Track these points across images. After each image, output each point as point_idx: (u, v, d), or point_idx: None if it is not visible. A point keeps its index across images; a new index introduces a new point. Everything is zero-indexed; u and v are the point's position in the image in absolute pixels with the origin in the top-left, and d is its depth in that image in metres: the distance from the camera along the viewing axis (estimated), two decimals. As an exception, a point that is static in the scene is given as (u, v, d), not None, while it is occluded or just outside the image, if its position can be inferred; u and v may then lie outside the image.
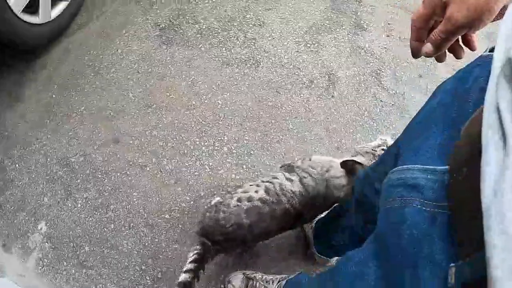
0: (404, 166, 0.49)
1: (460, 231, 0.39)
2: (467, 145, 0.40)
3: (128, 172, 1.48)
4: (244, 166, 1.44)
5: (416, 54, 0.59)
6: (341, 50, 1.68)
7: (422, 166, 0.46)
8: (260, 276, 1.27)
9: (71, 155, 1.55)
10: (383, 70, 1.66)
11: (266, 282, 1.25)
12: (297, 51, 1.66)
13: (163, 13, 1.78)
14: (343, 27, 1.75)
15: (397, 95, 1.62)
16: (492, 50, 0.53)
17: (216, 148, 1.46)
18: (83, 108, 1.62)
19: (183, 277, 1.01)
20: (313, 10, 1.78)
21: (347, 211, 1.04)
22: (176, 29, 1.73)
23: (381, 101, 1.60)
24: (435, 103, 0.57)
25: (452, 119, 0.50)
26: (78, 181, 1.51)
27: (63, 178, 1.53)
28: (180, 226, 1.41)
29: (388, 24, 1.78)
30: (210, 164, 1.44)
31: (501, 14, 0.49)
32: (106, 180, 1.49)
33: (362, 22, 1.77)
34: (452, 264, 0.38)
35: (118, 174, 1.48)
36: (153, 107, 1.55)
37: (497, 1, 0.46)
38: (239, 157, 1.44)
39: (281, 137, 1.47)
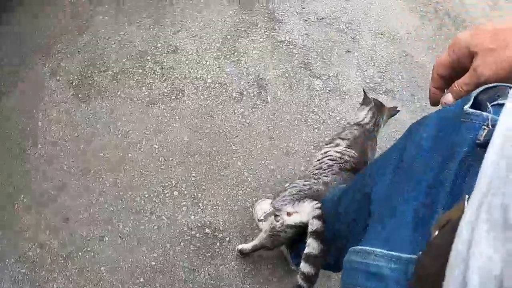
0: (367, 248, 0.43)
1: None
2: (434, 261, 0.32)
3: (88, 248, 1.38)
4: (200, 204, 1.35)
5: (435, 102, 0.54)
6: (262, 52, 1.58)
7: (387, 252, 0.41)
8: None
9: (27, 249, 1.43)
10: (310, 58, 1.58)
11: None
12: (218, 67, 1.55)
13: (72, 68, 1.63)
14: (258, 26, 1.64)
15: (330, 79, 1.55)
16: (476, 105, 0.44)
17: (166, 195, 1.37)
18: (22, 196, 1.48)
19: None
20: (223, 18, 1.66)
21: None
22: (90, 82, 1.58)
23: (316, 90, 1.52)
24: (411, 153, 0.48)
25: (428, 184, 0.42)
26: (43, 273, 1.40)
27: (27, 275, 1.42)
28: (157, 285, 1.33)
29: (302, 8, 1.68)
30: (166, 213, 1.35)
31: None
32: (70, 264, 1.38)
33: (276, 14, 1.67)
34: None
35: (80, 253, 1.38)
36: (91, 173, 1.44)
37: None
38: (192, 196, 1.36)
39: (227, 161, 1.39)
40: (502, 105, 0.39)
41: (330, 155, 1.07)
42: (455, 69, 0.51)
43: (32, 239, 1.42)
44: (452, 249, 0.27)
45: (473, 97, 0.45)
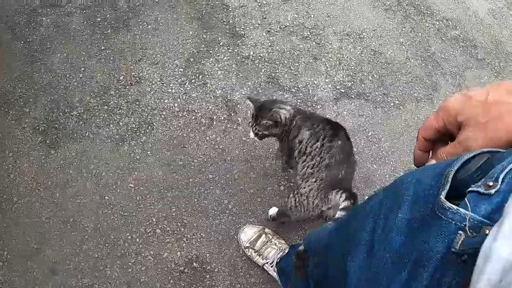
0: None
1: None
2: None
3: (78, 301, 1.34)
4: (184, 239, 1.31)
5: (420, 163, 0.52)
6: (228, 70, 1.51)
7: None
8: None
9: (19, 305, 1.39)
10: (277, 71, 1.51)
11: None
12: (184, 93, 1.48)
13: (37, 113, 1.55)
14: (221, 44, 1.56)
15: (300, 90, 1.49)
16: (455, 184, 0.39)
17: (149, 234, 1.32)
18: (6, 253, 1.43)
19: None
20: (183, 40, 1.58)
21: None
22: (56, 125, 1.51)
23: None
24: (381, 246, 0.44)
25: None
26: (38, 326, 1.37)
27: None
28: (153, 326, 1.30)
29: (264, 18, 1.60)
30: (152, 253, 1.31)
31: None
32: (62, 314, 1.35)
33: (237, 29, 1.59)
34: None
35: (70, 305, 1.34)
36: (71, 222, 1.38)
37: None
38: (175, 232, 1.31)
39: (205, 192, 1.34)
40: (481, 194, 0.35)
41: (306, 139, 1.07)
42: (442, 133, 0.49)
43: (22, 295, 1.38)
44: None
45: (450, 179, 0.39)
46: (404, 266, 0.39)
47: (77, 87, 1.55)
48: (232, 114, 1.43)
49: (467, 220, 0.34)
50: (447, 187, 0.38)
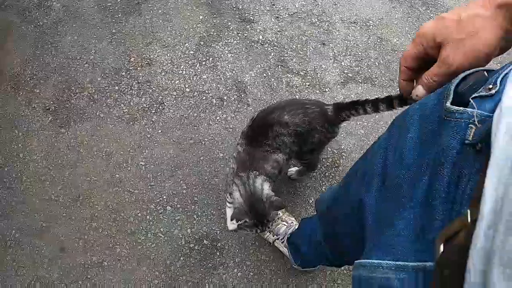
0: (374, 262, 0.40)
1: None
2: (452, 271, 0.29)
3: (88, 276, 1.31)
4: (195, 216, 1.29)
5: (406, 94, 0.50)
6: (237, 54, 1.50)
7: (393, 263, 0.38)
8: None
9: (27, 286, 1.34)
10: (286, 55, 1.51)
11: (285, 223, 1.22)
12: (195, 75, 1.47)
13: (47, 94, 1.53)
14: (231, 28, 1.56)
15: (309, 73, 1.49)
16: (456, 98, 0.40)
17: (160, 212, 1.30)
18: (13, 232, 1.39)
19: None
20: (194, 25, 1.57)
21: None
22: (67, 105, 1.49)
23: (296, 86, 1.46)
24: (395, 168, 0.44)
25: (422, 197, 0.38)
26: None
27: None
28: (162, 302, 1.28)
29: (272, 5, 1.60)
30: (162, 229, 1.29)
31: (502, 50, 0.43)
32: (71, 293, 1.32)
33: (246, 14, 1.58)
34: None
35: (80, 282, 1.31)
36: (80, 199, 1.36)
37: (496, 47, 0.41)
38: (185, 209, 1.30)
39: (216, 170, 1.32)
40: (483, 97, 0.37)
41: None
42: (423, 60, 0.48)
43: (30, 274, 1.34)
44: (465, 280, 0.25)
45: (452, 91, 0.40)
46: (423, 173, 0.39)
47: (87, 68, 1.54)
48: (242, 95, 1.42)
49: (475, 115, 0.35)
50: (451, 97, 0.40)
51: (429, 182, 0.38)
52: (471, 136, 0.35)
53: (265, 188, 0.97)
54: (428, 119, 0.42)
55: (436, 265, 0.32)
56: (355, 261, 0.44)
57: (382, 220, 0.45)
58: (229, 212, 1.07)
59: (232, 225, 0.96)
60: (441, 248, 0.32)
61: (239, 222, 0.94)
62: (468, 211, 0.30)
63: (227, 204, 1.10)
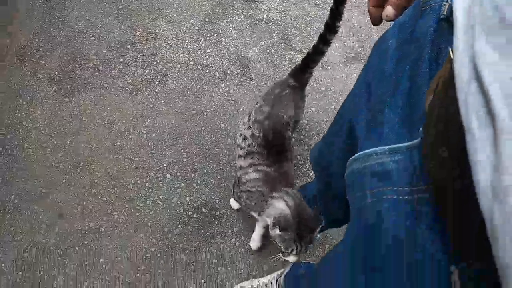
0: (367, 151, 0.39)
1: (451, 227, 0.29)
2: (438, 122, 0.29)
3: (85, 242, 1.29)
4: (194, 184, 1.28)
5: (376, 21, 0.50)
6: (241, 31, 1.51)
7: (385, 148, 0.37)
8: (257, 283, 1.16)
9: (23, 251, 1.33)
10: (289, 34, 1.52)
11: (266, 286, 1.15)
12: (199, 49, 1.47)
13: (52, 65, 1.53)
14: (236, 7, 1.57)
15: (311, 50, 1.49)
16: None
17: (159, 179, 1.30)
18: (12, 197, 1.39)
19: None
20: (199, 2, 1.58)
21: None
22: (72, 76, 1.49)
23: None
24: (380, 67, 0.45)
25: (408, 89, 0.39)
26: (41, 273, 1.31)
27: (26, 277, 1.32)
28: (159, 271, 1.25)
29: (277, -15, 1.62)
30: (161, 197, 1.28)
31: None
32: (67, 260, 1.30)
33: (251, -7, 1.60)
34: (453, 268, 0.29)
35: (77, 248, 1.30)
36: (81, 166, 1.35)
37: None
38: (185, 177, 1.29)
39: (217, 140, 1.32)
40: None
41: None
42: None
43: (27, 240, 1.33)
44: (456, 79, 0.24)
45: None
46: (406, 65, 0.40)
47: (93, 41, 1.55)
48: (246, 70, 1.43)
49: None
50: None
51: (412, 69, 0.39)
52: (445, 11, 0.36)
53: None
54: (405, 27, 0.43)
55: (425, 112, 0.32)
56: (349, 160, 0.44)
57: (371, 120, 0.45)
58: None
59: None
60: (431, 97, 0.32)
61: (281, 233, 0.85)
62: (450, 50, 0.29)
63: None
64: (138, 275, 1.25)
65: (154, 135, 1.34)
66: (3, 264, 1.34)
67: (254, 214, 1.03)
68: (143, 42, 1.50)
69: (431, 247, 0.30)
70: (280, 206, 0.88)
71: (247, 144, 0.99)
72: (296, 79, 1.07)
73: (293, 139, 1.30)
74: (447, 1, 0.36)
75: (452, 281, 0.28)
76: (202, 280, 1.22)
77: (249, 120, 1.02)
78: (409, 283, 0.33)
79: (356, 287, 0.41)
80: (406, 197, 0.33)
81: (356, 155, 0.41)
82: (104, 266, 1.27)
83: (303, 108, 1.14)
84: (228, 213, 1.26)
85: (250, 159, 0.98)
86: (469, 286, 0.27)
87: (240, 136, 1.04)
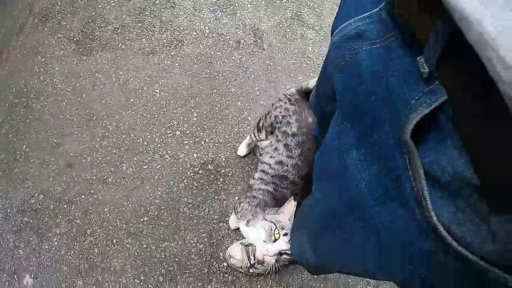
0: (342, 25, 0.43)
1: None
2: None
3: (92, 191, 1.32)
4: (202, 142, 1.32)
5: None
6: (257, 5, 1.57)
7: (358, 17, 0.41)
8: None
9: (30, 198, 1.36)
10: (302, 11, 1.58)
11: None
12: (215, 19, 1.53)
13: (73, 26, 1.59)
14: (252, -17, 1.64)
15: (323, 29, 1.55)
16: None
17: (169, 135, 1.33)
18: (24, 146, 1.42)
19: None
20: (218, -24, 1.66)
21: None
22: (91, 37, 1.54)
23: (310, 39, 1.52)
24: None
25: None
26: (46, 220, 1.34)
27: (30, 223, 1.35)
28: (162, 223, 1.28)
29: (292, -33, 1.69)
30: (169, 152, 1.31)
31: None
32: (73, 208, 1.32)
33: (268, -27, 1.67)
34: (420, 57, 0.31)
35: (83, 196, 1.32)
36: (94, 119, 1.39)
37: None
38: (194, 135, 1.32)
39: (227, 103, 1.36)
40: None
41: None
42: None
43: (35, 187, 1.36)
44: None
45: None
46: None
47: (114, 7, 1.60)
48: (259, 41, 1.48)
49: None
50: None
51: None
52: None
53: None
54: None
55: None
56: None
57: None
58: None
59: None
60: None
61: None
62: None
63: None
64: (140, 226, 1.27)
65: (166, 94, 1.38)
66: (8, 210, 1.36)
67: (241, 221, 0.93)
68: (162, 9, 1.56)
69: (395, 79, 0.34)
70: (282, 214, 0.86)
71: (283, 169, 0.91)
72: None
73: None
74: None
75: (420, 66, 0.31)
76: (203, 234, 1.24)
77: (290, 150, 0.90)
78: (381, 105, 0.36)
79: (344, 128, 0.44)
80: (380, 44, 0.37)
81: (334, 33, 0.45)
82: (108, 215, 1.29)
83: None
84: (234, 171, 1.29)
85: (277, 180, 0.92)
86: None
87: (271, 157, 0.92)
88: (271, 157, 0.92)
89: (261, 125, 1.02)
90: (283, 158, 0.90)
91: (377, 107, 0.36)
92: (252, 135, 1.11)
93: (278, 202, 0.91)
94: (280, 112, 0.94)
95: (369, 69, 0.38)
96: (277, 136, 0.93)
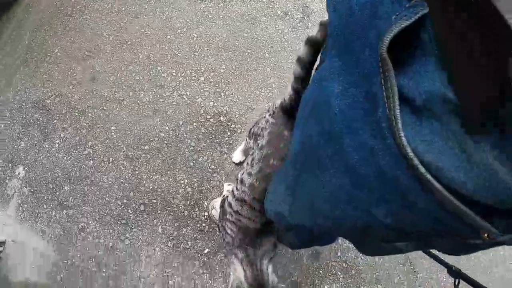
0: None
1: None
2: None
3: (105, 108, 1.35)
4: (222, 94, 1.33)
5: None
6: (313, -14, 1.58)
7: None
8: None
9: (46, 97, 1.40)
10: None
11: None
12: (271, -13, 1.55)
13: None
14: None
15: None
16: None
17: (193, 78, 1.35)
18: (57, 50, 1.46)
19: None
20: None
21: None
22: (149, -29, 1.59)
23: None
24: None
25: None
26: (55, 121, 1.37)
27: (39, 120, 1.39)
28: (160, 156, 1.29)
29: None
30: (188, 93, 1.33)
31: None
32: (83, 118, 1.35)
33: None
34: None
35: (95, 110, 1.35)
36: (128, 44, 1.42)
37: None
38: (217, 85, 1.33)
39: (257, 65, 1.37)
40: None
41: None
42: None
43: (54, 89, 1.40)
44: None
45: None
46: None
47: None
48: (305, 18, 1.48)
49: None
50: None
51: None
52: None
53: (270, 272, 0.80)
54: None
55: None
56: None
57: None
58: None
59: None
60: None
61: None
62: None
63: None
64: (139, 152, 1.29)
65: (202, 41, 1.40)
66: (24, 103, 1.41)
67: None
68: (223, -35, 1.59)
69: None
70: (237, 271, 0.80)
71: (241, 190, 0.79)
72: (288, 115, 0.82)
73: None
74: None
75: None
76: (195, 179, 1.24)
77: (251, 164, 0.79)
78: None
79: (331, 60, 0.43)
80: None
81: None
82: (113, 134, 1.31)
83: None
84: (242, 130, 1.29)
85: (239, 206, 0.80)
86: None
87: (242, 173, 0.81)
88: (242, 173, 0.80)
89: (251, 132, 0.90)
90: (245, 175, 0.78)
91: (365, 33, 0.35)
92: (246, 141, 1.01)
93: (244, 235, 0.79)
94: (262, 123, 0.82)
95: (359, 1, 0.37)
96: (253, 148, 0.81)
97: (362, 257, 1.25)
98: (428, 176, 0.28)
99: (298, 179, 0.53)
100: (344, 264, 1.25)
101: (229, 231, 0.82)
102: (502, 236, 0.28)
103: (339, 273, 1.24)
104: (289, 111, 0.76)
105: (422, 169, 0.28)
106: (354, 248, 1.24)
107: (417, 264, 1.26)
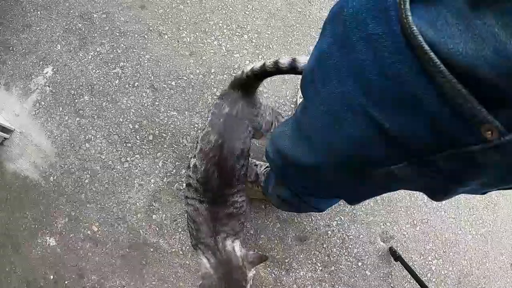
0: None
1: None
2: None
3: (146, 36, 1.36)
4: (260, 56, 1.33)
5: None
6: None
7: None
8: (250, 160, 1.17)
9: (95, 11, 1.43)
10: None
11: (255, 165, 1.16)
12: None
13: None
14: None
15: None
16: None
17: (237, 33, 1.35)
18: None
19: None
20: None
21: None
22: None
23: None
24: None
25: None
26: (95, 35, 1.40)
27: (81, 30, 1.42)
28: (183, 95, 1.30)
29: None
30: (228, 46, 1.33)
31: None
32: (122, 39, 1.37)
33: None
34: None
35: (136, 35, 1.37)
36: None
37: None
38: (257, 47, 1.34)
39: (302, 41, 1.36)
40: None
41: None
42: None
43: (104, 6, 1.40)
44: None
45: None
46: None
47: None
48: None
49: None
50: None
51: None
52: None
53: (237, 250, 0.82)
54: None
55: None
56: None
57: None
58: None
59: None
60: None
61: None
62: None
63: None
64: (164, 85, 1.30)
65: (256, 2, 1.40)
66: (71, 11, 1.43)
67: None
68: None
69: None
70: (203, 264, 0.82)
71: (188, 174, 0.83)
72: (245, 90, 0.85)
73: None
74: None
75: None
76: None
77: (196, 147, 0.82)
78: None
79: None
80: None
81: None
82: (146, 61, 1.32)
83: (261, 114, 0.91)
84: (269, 95, 1.28)
85: (187, 191, 0.85)
86: None
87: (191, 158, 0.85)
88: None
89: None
90: (191, 160, 0.84)
91: None
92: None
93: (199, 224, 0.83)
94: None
95: None
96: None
97: (345, 256, 1.23)
98: (432, 55, 0.29)
99: (303, 111, 0.53)
100: (326, 258, 1.23)
101: (192, 225, 0.86)
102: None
103: (318, 264, 1.22)
104: (237, 85, 0.84)
105: (426, 46, 0.29)
106: (341, 244, 1.22)
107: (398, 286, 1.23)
